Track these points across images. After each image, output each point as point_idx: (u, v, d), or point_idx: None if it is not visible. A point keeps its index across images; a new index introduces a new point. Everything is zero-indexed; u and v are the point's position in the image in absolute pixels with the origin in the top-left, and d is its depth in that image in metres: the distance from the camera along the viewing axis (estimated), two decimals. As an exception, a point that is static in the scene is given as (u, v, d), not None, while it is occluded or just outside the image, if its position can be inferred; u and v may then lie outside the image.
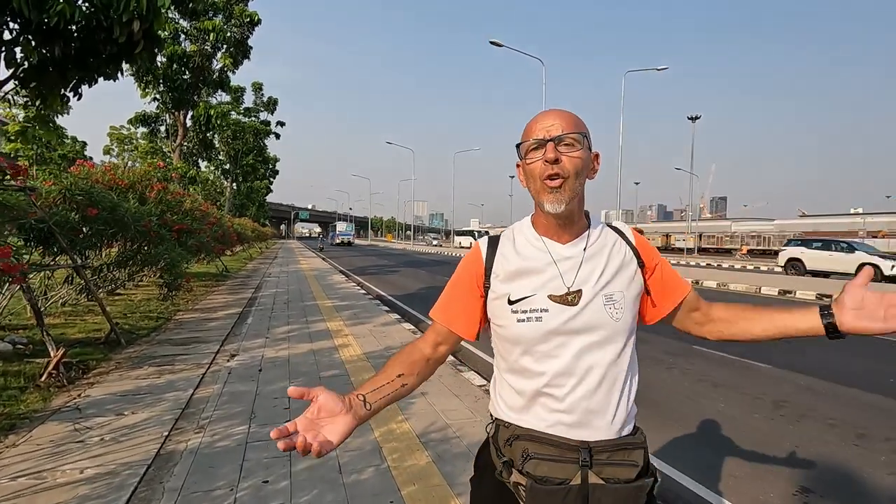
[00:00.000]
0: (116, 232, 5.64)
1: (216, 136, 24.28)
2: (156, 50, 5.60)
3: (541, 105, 25.24)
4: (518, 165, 1.06)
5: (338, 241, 47.22)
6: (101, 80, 5.68)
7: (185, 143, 14.34)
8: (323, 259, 25.99)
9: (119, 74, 5.86)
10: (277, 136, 28.72)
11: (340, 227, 54.31)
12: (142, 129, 14.32)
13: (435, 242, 69.10)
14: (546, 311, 0.98)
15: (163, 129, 14.29)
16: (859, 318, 0.88)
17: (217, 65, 14.73)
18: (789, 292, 12.15)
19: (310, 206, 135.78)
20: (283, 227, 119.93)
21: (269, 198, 57.74)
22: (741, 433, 3.62)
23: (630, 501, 0.95)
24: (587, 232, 1.05)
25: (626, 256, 1.05)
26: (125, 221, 5.54)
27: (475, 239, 33.90)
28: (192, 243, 7.37)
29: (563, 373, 0.98)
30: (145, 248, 6.21)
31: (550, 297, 0.99)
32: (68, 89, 5.43)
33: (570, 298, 0.98)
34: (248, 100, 26.71)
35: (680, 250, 49.01)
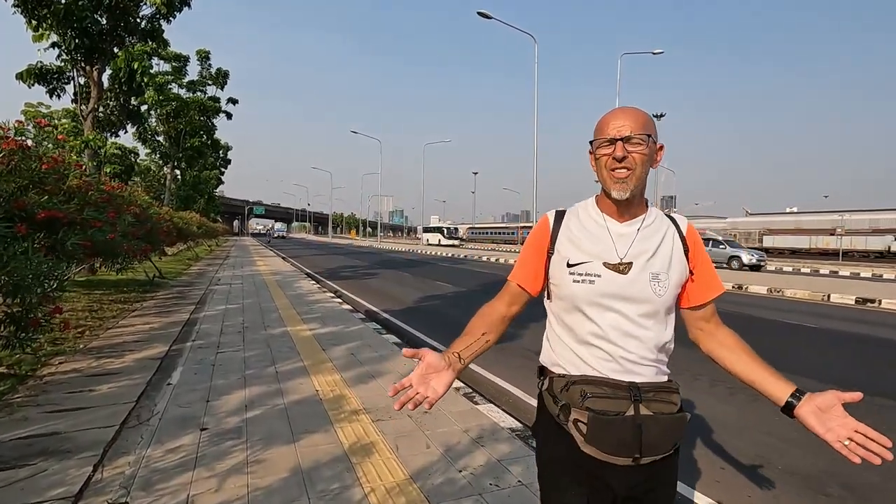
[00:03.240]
0: None
1: (153, 110, 20.30)
2: None
3: (532, 84, 22.80)
4: (591, 153, 1.20)
5: (276, 236, 69.97)
6: None
7: (101, 109, 10.79)
8: (283, 259, 22.57)
9: None
10: (229, 115, 24.47)
11: (278, 226, 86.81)
12: (42, 91, 10.67)
13: None
14: (599, 276, 1.14)
15: (70, 89, 10.70)
16: (814, 416, 1.05)
17: (146, 8, 11.27)
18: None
19: (266, 202, 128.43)
20: (236, 222, 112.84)
21: (223, 191, 53.03)
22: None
23: (674, 430, 1.11)
24: (643, 215, 1.19)
25: (676, 244, 1.18)
26: None
27: (443, 235, 32.43)
28: (73, 244, 4.28)
29: (610, 330, 1.14)
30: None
31: (605, 264, 1.15)
32: None
33: (621, 268, 1.14)
34: (193, 71, 22.77)
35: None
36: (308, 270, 16.75)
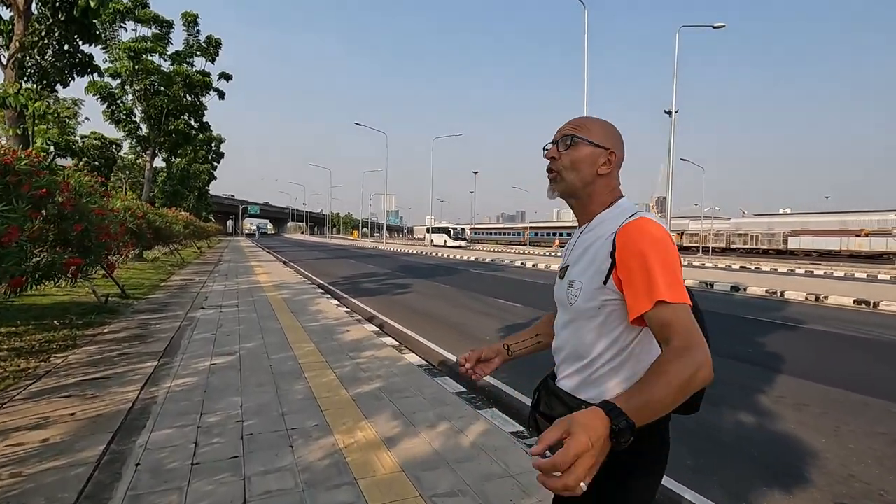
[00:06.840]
0: None
1: (128, 84, 16.68)
2: None
3: (581, 57, 19.61)
4: None
5: (261, 233, 74.96)
6: None
7: (30, 52, 7.35)
8: (285, 264, 19.12)
9: None
10: (221, 94, 20.97)
11: (263, 224, 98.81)
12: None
13: None
14: (556, 282, 1.23)
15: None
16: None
17: None
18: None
19: (261, 202, 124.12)
20: (230, 222, 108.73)
21: (216, 190, 49.40)
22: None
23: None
24: (592, 220, 1.15)
25: (604, 247, 1.06)
26: None
27: (449, 236, 29.42)
28: None
29: (556, 331, 1.20)
30: None
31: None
32: None
33: (561, 272, 1.19)
34: (178, 39, 19.29)
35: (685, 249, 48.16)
36: (320, 281, 13.34)
